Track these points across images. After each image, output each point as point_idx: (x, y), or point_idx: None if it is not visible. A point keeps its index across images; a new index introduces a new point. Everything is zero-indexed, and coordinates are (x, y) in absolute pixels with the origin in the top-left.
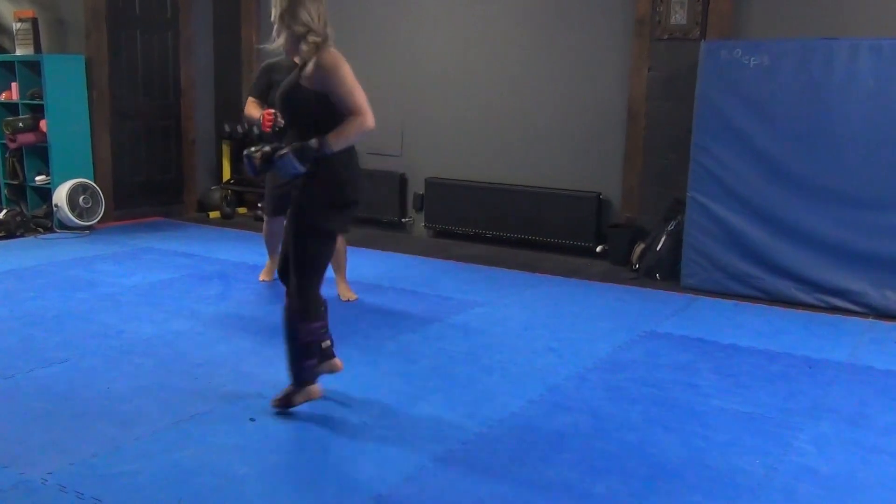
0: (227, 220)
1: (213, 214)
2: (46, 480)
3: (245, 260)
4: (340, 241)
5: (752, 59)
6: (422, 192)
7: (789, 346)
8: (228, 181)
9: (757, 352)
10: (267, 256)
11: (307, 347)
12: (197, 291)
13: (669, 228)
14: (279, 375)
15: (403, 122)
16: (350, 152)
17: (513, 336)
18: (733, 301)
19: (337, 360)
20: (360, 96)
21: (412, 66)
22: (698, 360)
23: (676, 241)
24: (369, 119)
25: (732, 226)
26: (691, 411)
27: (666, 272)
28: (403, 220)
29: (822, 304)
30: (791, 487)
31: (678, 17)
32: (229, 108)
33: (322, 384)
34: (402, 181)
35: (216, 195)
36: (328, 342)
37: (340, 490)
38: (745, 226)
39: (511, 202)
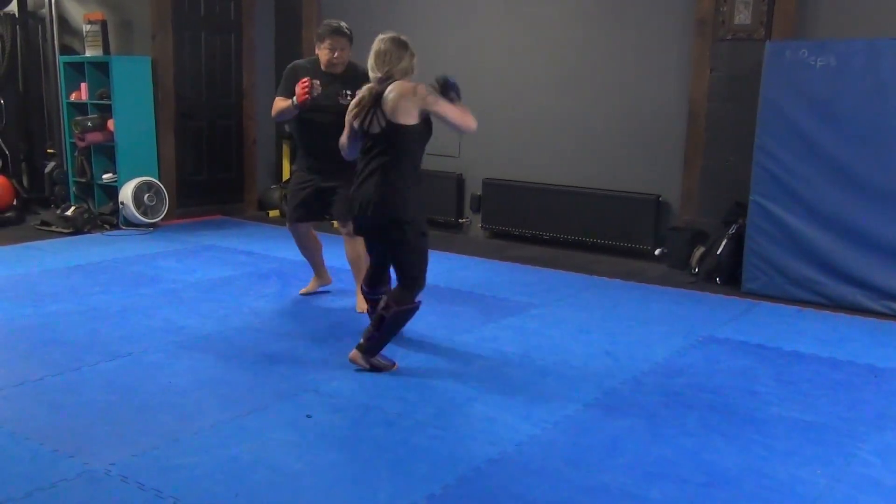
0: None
1: (273, 213)
2: (109, 471)
3: (303, 259)
4: (354, 249)
5: (819, 59)
6: (479, 192)
7: (854, 354)
8: (288, 181)
9: (819, 359)
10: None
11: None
12: (256, 289)
13: (730, 232)
14: (335, 372)
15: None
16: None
17: (568, 338)
18: (795, 307)
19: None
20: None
21: (469, 67)
22: (758, 367)
23: (737, 244)
24: None
25: (796, 230)
26: (750, 418)
27: (726, 276)
28: (460, 220)
29: (889, 312)
30: (854, 499)
31: (742, 16)
32: None
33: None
34: (460, 182)
35: (275, 194)
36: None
37: (394, 488)
38: (809, 230)
39: (568, 204)
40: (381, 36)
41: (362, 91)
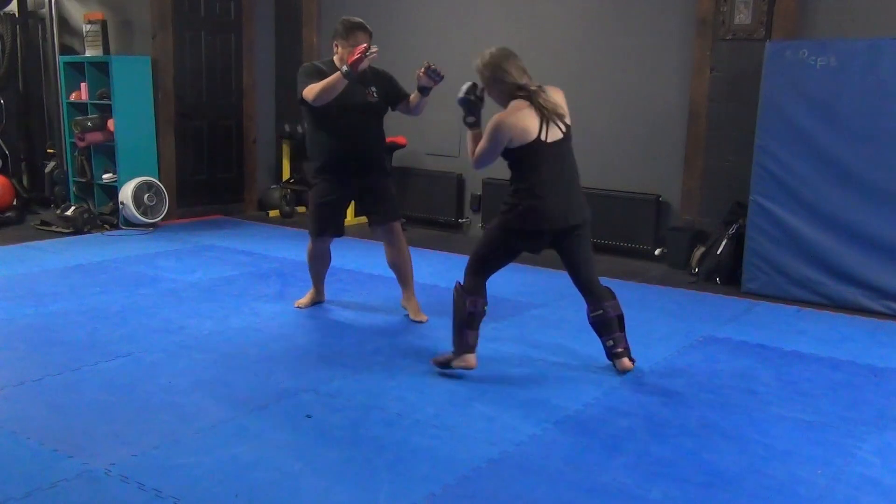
0: (286, 218)
1: (273, 213)
2: (109, 471)
3: (303, 259)
4: (398, 252)
5: (819, 59)
6: (479, 192)
7: (854, 354)
8: (288, 180)
9: (820, 359)
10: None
11: (468, 318)
12: (256, 289)
13: (730, 232)
14: (335, 372)
15: (461, 122)
16: (532, 189)
17: (569, 338)
18: (795, 307)
19: (470, 357)
20: (479, 149)
21: (469, 67)
22: (758, 367)
23: (737, 244)
24: (473, 165)
25: (796, 230)
26: (750, 418)
27: (726, 276)
28: (460, 220)
29: (889, 312)
30: (854, 498)
31: (742, 16)
32: (290, 108)
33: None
34: (460, 182)
35: (275, 194)
36: (475, 336)
37: (394, 488)
38: (810, 230)
39: None
40: (493, 49)
41: (532, 100)
